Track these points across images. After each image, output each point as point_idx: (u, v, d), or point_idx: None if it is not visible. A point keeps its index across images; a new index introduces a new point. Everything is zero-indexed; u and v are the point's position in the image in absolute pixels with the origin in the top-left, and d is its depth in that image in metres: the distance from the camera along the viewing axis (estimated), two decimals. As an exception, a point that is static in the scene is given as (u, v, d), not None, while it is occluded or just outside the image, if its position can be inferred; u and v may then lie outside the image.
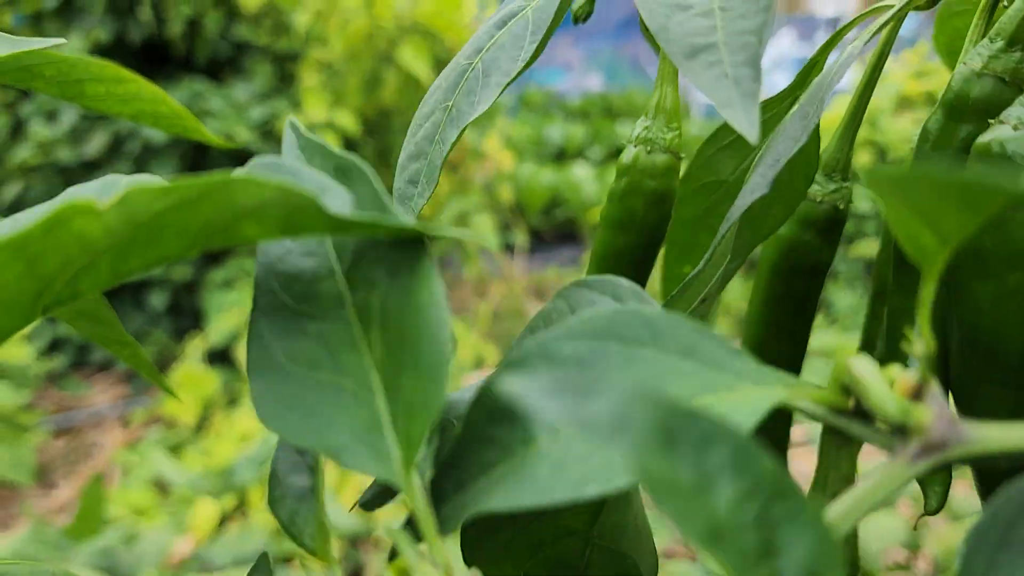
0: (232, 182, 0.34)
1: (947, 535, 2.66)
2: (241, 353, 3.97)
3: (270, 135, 4.32)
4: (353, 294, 0.38)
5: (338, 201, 0.37)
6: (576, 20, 0.70)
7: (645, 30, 0.75)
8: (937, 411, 0.30)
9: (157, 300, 4.34)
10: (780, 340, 0.66)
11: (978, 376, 0.47)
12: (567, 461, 0.31)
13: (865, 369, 0.31)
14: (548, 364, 0.34)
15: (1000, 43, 0.48)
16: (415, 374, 0.34)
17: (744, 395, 0.31)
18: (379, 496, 0.42)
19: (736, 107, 0.37)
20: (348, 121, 4.09)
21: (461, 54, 0.58)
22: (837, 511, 0.29)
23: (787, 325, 0.66)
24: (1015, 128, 0.43)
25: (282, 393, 0.37)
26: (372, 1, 4.19)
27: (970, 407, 0.49)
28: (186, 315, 4.39)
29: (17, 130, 4.42)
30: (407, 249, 0.38)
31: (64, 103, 4.31)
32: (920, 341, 0.30)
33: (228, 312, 4.10)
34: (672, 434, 0.25)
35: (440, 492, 0.35)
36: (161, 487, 3.33)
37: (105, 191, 0.42)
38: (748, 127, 0.36)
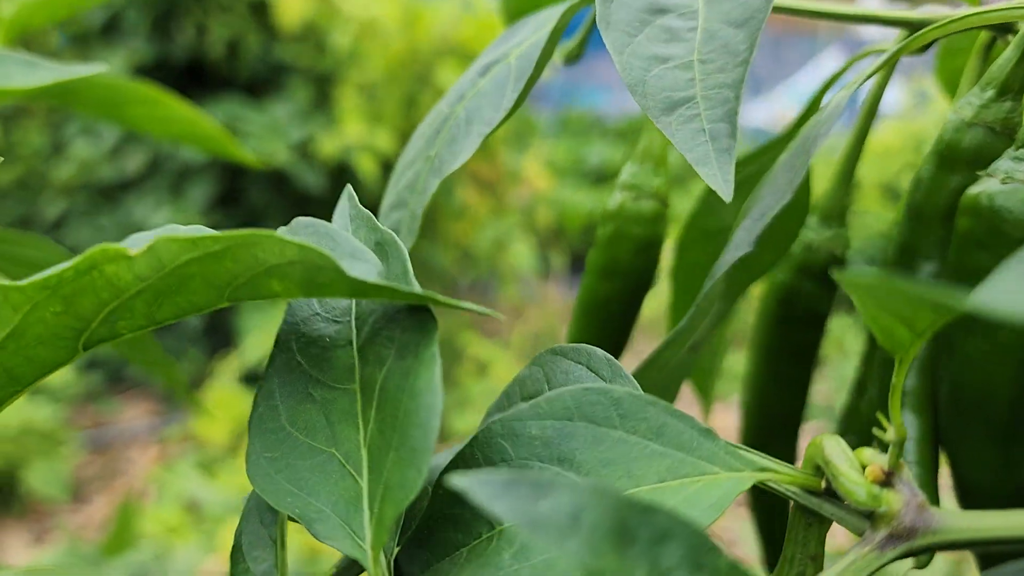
0: (256, 238, 0.36)
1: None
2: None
3: (308, 156, 4.35)
4: (362, 368, 0.39)
5: (359, 265, 0.38)
6: (568, 62, 0.69)
7: None
8: (907, 497, 0.29)
9: (193, 320, 4.38)
10: (781, 388, 0.65)
11: (967, 429, 0.47)
12: (531, 547, 0.30)
13: (837, 452, 0.31)
14: (514, 444, 0.33)
15: (991, 92, 0.47)
16: (398, 456, 0.34)
17: (713, 480, 0.31)
18: (346, 571, 0.42)
19: (712, 164, 0.37)
20: (386, 142, 4.11)
21: (444, 101, 0.58)
22: (801, 603, 0.29)
23: (787, 374, 0.65)
24: (1003, 182, 0.43)
25: (276, 454, 0.38)
26: (411, 23, 4.22)
27: (959, 459, 0.48)
28: (221, 335, 4.42)
29: (58, 149, 4.49)
30: (418, 331, 0.38)
31: (104, 124, 4.38)
32: (891, 428, 0.30)
33: (264, 333, 4.12)
34: (628, 531, 0.24)
35: (405, 570, 0.35)
36: (193, 505, 3.35)
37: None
38: (723, 185, 0.36)
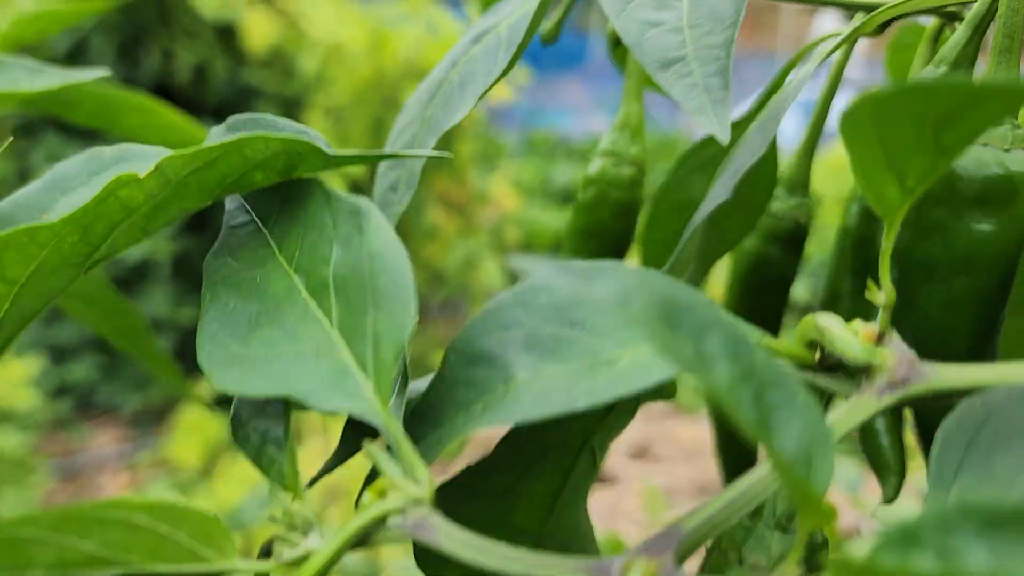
0: (244, 141, 0.40)
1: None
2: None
3: (276, 179, 4.36)
4: (306, 280, 0.40)
5: (319, 140, 0.43)
6: (544, 42, 0.72)
7: (612, 52, 0.78)
8: (900, 354, 0.32)
9: (164, 343, 4.35)
10: None
11: None
12: (550, 391, 0.32)
13: (831, 322, 0.33)
14: (526, 311, 0.35)
15: (944, 68, 0.51)
16: (377, 309, 0.36)
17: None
18: (349, 446, 0.42)
19: (708, 113, 0.40)
20: (354, 168, 4.13)
21: (437, 68, 0.60)
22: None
23: None
24: None
25: (241, 369, 0.38)
26: (378, 48, 4.25)
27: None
28: (193, 359, 4.38)
29: (24, 177, 4.47)
30: (359, 218, 0.40)
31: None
32: (882, 292, 0.33)
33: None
34: (673, 319, 0.26)
35: (415, 432, 0.36)
36: (167, 529, 3.32)
37: (91, 163, 0.48)
38: (720, 129, 0.39)
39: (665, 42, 0.44)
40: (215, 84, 4.48)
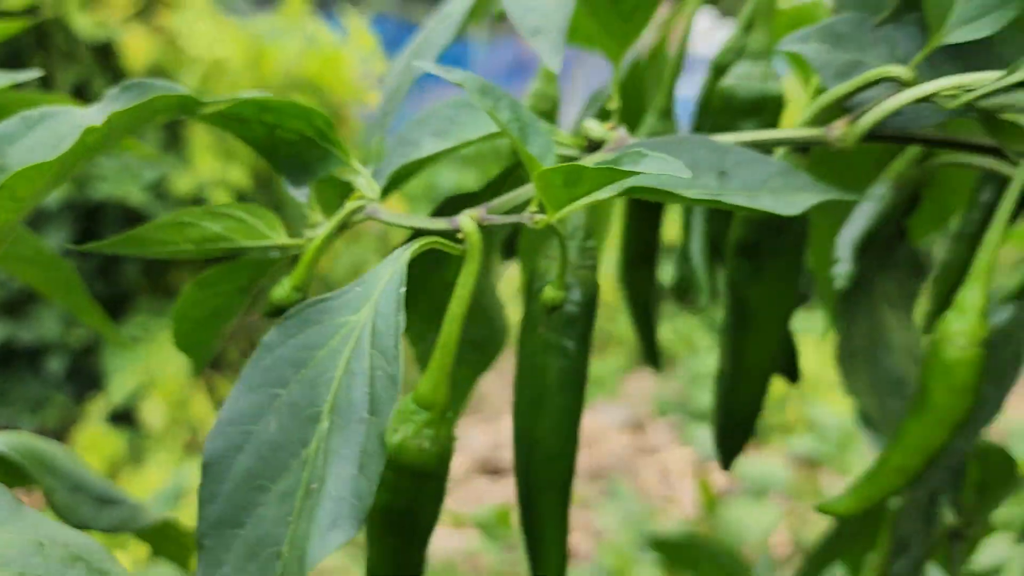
0: (157, 99, 0.56)
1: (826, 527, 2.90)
2: (146, 414, 4.02)
3: (162, 195, 4.41)
4: None
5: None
6: None
7: None
8: (621, 135, 0.54)
9: (55, 365, 4.34)
10: (641, 225, 0.89)
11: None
12: (440, 146, 0.63)
13: (592, 123, 0.57)
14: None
15: (738, 32, 0.78)
16: None
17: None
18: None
19: (551, 57, 0.61)
20: (240, 176, 4.22)
21: (413, 36, 0.82)
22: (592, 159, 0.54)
23: (644, 215, 0.89)
24: (737, 78, 0.71)
25: None
26: (256, 62, 4.35)
27: None
28: (86, 378, 4.40)
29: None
30: None
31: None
32: (613, 100, 0.54)
33: (130, 372, 4.15)
34: (485, 92, 0.51)
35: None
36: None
37: (25, 121, 0.61)
38: (555, 64, 0.61)
39: (534, 19, 0.66)
40: (95, 103, 4.52)
